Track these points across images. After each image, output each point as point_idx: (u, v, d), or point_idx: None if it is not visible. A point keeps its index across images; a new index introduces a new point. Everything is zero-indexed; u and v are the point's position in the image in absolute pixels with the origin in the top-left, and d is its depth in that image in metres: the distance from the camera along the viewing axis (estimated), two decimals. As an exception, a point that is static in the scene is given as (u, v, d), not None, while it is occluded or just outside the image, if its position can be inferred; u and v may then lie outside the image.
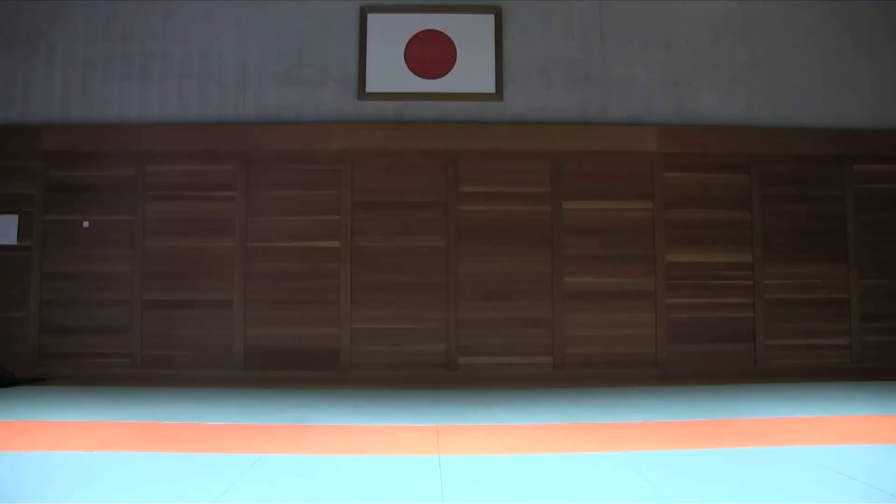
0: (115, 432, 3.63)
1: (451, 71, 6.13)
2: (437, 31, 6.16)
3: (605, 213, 6.02)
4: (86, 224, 5.93)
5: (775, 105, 6.22)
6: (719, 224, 6.05)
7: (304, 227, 5.95)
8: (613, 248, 6.01)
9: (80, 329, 5.86)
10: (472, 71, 6.13)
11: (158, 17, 6.15)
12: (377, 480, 2.74)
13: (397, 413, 4.33)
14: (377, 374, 5.79)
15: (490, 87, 6.12)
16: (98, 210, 5.95)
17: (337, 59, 6.15)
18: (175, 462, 3.01)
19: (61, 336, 5.85)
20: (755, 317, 5.98)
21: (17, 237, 5.91)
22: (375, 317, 5.89)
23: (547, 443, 3.24)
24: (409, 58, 6.13)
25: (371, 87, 6.10)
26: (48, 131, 5.99)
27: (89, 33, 6.13)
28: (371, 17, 6.16)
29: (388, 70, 6.11)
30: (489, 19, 6.18)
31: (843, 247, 6.09)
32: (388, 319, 5.89)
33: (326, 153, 6.00)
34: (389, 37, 6.14)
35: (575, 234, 6.00)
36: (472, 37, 6.15)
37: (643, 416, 4.19)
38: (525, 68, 6.18)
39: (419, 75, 6.12)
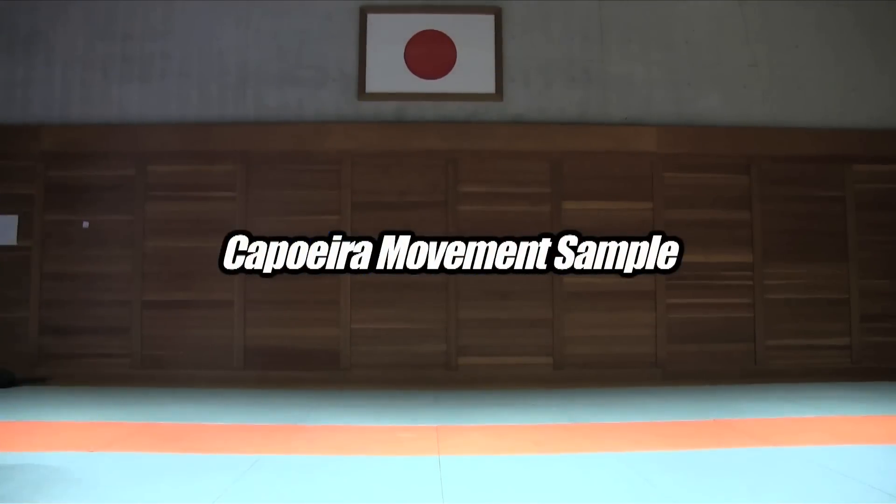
0: (115, 432, 3.63)
1: (451, 71, 6.12)
2: (436, 31, 6.16)
3: (604, 213, 6.02)
4: (86, 224, 5.92)
5: (775, 105, 6.22)
6: (719, 224, 6.05)
7: (304, 227, 5.95)
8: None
9: (80, 329, 5.85)
10: (472, 71, 6.12)
11: (158, 16, 6.15)
12: (377, 480, 2.74)
13: (397, 413, 4.33)
14: (377, 374, 5.79)
15: (490, 88, 6.12)
16: (98, 210, 5.94)
17: (337, 59, 6.15)
18: (175, 462, 3.01)
19: (61, 336, 5.85)
20: (755, 317, 5.98)
21: (17, 237, 5.91)
22: (375, 317, 5.89)
23: (547, 443, 3.24)
24: (408, 58, 6.13)
25: (371, 87, 6.10)
26: (48, 131, 5.98)
27: (89, 33, 6.13)
28: (371, 17, 6.15)
29: (388, 70, 6.10)
30: (489, 19, 6.18)
31: (843, 247, 6.08)
32: (388, 319, 5.89)
33: (326, 153, 6.00)
34: (389, 37, 6.13)
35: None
36: (472, 37, 6.15)
37: (643, 416, 4.19)
38: (525, 68, 6.18)
39: (419, 75, 6.11)
